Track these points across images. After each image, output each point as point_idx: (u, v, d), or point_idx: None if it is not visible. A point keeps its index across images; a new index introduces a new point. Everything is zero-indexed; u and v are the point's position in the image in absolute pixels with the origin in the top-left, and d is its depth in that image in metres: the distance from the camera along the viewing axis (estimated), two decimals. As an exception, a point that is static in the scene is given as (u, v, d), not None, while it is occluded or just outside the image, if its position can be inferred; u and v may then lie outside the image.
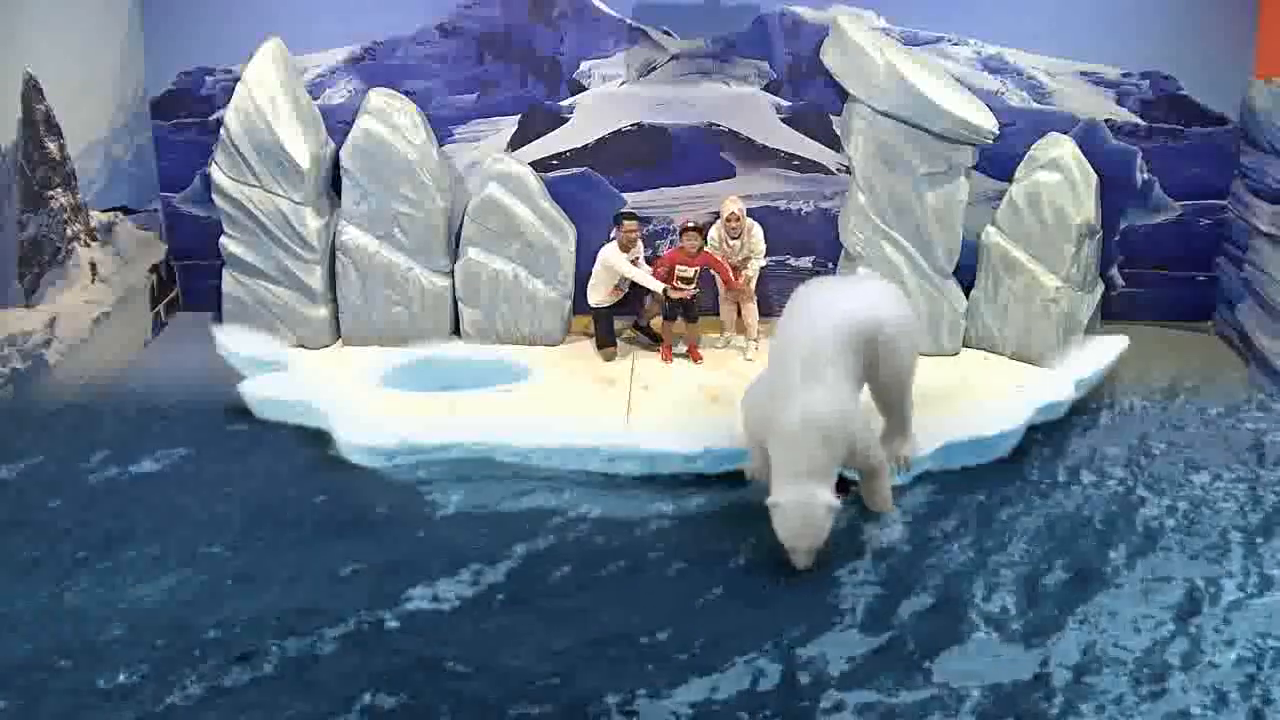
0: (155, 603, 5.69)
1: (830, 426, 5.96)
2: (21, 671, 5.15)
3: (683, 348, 8.49)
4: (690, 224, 8.23)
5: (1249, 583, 5.90)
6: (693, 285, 8.25)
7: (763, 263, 8.48)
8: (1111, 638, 5.46)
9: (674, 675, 5.20)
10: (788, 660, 5.29)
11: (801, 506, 5.85)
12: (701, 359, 8.41)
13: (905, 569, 6.07)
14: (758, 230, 8.42)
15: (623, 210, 8.82)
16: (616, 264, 8.25)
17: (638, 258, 8.42)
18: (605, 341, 8.48)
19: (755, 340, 8.45)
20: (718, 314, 8.76)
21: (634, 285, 8.37)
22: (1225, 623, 5.57)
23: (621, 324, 8.62)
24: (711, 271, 8.32)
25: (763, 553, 6.12)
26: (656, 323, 8.51)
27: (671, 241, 8.97)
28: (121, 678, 5.12)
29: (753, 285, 8.45)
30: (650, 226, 9.11)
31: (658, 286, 8.18)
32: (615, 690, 5.08)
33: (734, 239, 8.32)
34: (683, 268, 8.20)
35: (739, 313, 8.59)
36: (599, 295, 8.41)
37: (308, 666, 5.24)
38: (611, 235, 9.17)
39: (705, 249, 8.26)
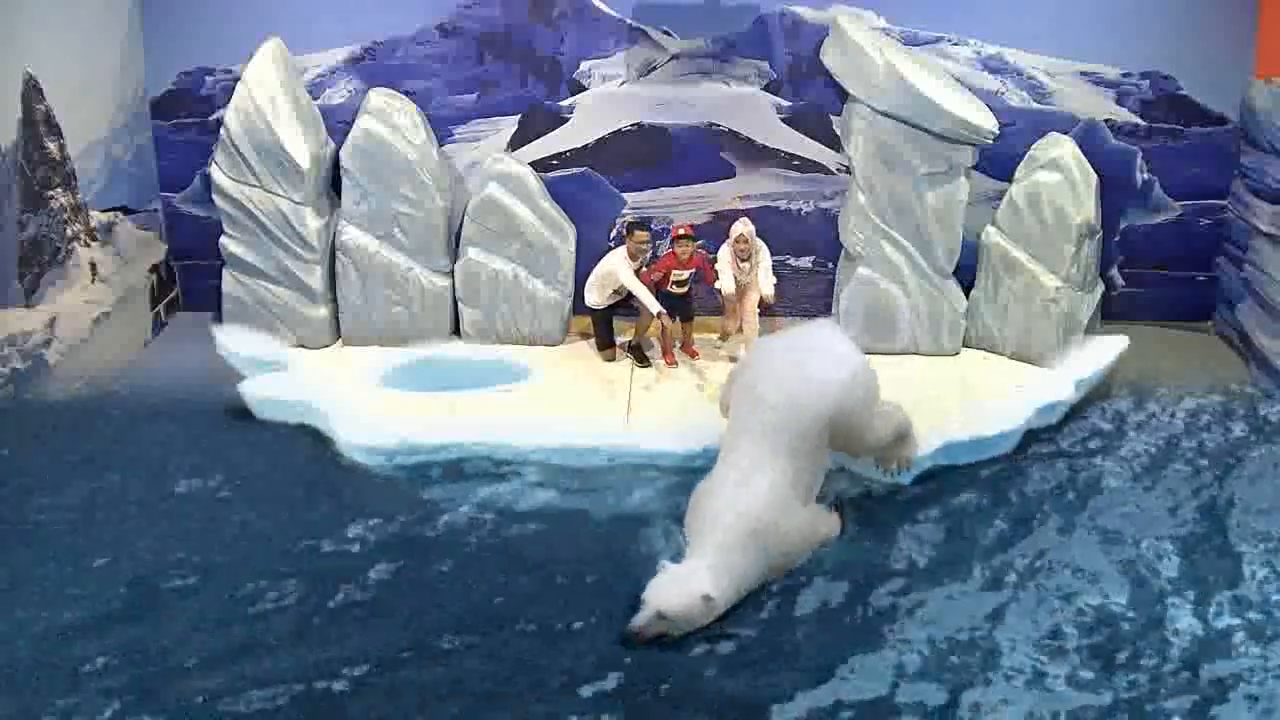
0: (153, 600, 5.69)
1: (761, 531, 5.65)
2: (12, 670, 5.18)
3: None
4: (682, 231, 8.20)
5: (1245, 582, 5.91)
6: (686, 286, 8.30)
7: (773, 280, 8.21)
8: (1097, 637, 5.50)
9: (672, 677, 5.22)
10: (761, 657, 5.35)
11: (680, 583, 5.39)
12: (698, 355, 8.42)
13: (897, 569, 6.09)
14: (766, 252, 8.28)
15: (634, 220, 8.71)
16: (622, 276, 8.14)
17: (641, 266, 8.37)
18: (605, 343, 8.47)
19: (749, 346, 8.39)
20: (717, 313, 8.74)
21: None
22: (1215, 619, 5.60)
23: (624, 324, 8.60)
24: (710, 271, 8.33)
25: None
26: (655, 329, 8.41)
27: (670, 243, 8.96)
28: (111, 674, 5.14)
29: (770, 293, 8.15)
30: (650, 226, 9.09)
31: (654, 308, 8.06)
32: (621, 695, 5.09)
33: (743, 261, 8.20)
34: (678, 273, 8.22)
35: (740, 321, 8.52)
36: (596, 297, 8.38)
37: (304, 661, 5.25)
38: (611, 236, 9.18)
39: (696, 254, 8.24)
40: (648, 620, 5.32)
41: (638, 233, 8.20)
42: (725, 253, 8.26)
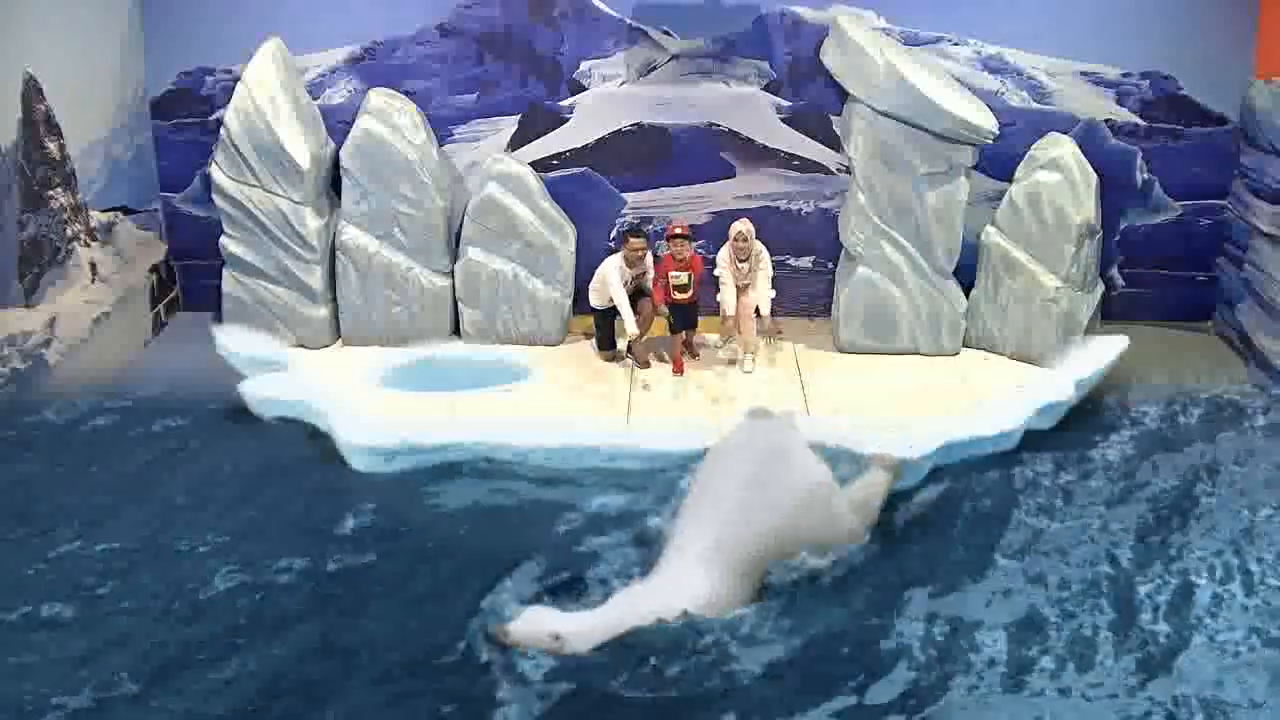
0: (152, 598, 5.70)
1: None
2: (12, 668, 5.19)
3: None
4: (677, 230, 8.06)
5: (1240, 584, 5.91)
6: (689, 292, 8.13)
7: (772, 294, 8.19)
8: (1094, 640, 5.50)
9: (672, 676, 5.22)
10: (756, 656, 5.36)
11: (539, 620, 5.42)
12: (698, 355, 8.36)
13: (895, 569, 6.09)
14: (766, 255, 8.22)
15: (631, 227, 8.59)
16: (610, 286, 8.11)
17: (645, 271, 8.33)
18: (606, 343, 8.46)
19: (753, 354, 8.36)
20: (718, 312, 8.72)
21: (635, 291, 8.28)
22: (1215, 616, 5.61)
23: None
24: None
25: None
26: (659, 324, 8.39)
27: (665, 242, 8.95)
28: (109, 672, 5.15)
29: (766, 313, 8.16)
30: (650, 226, 9.09)
31: (630, 329, 8.02)
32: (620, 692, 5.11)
33: (742, 261, 8.14)
34: (676, 274, 8.07)
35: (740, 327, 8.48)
36: (597, 300, 8.37)
37: (302, 659, 5.26)
38: (611, 236, 9.18)
39: (694, 255, 8.16)
40: (501, 631, 5.36)
41: (632, 240, 8.14)
42: (724, 254, 8.23)
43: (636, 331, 8.12)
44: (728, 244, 8.22)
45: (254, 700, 5.00)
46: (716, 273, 8.26)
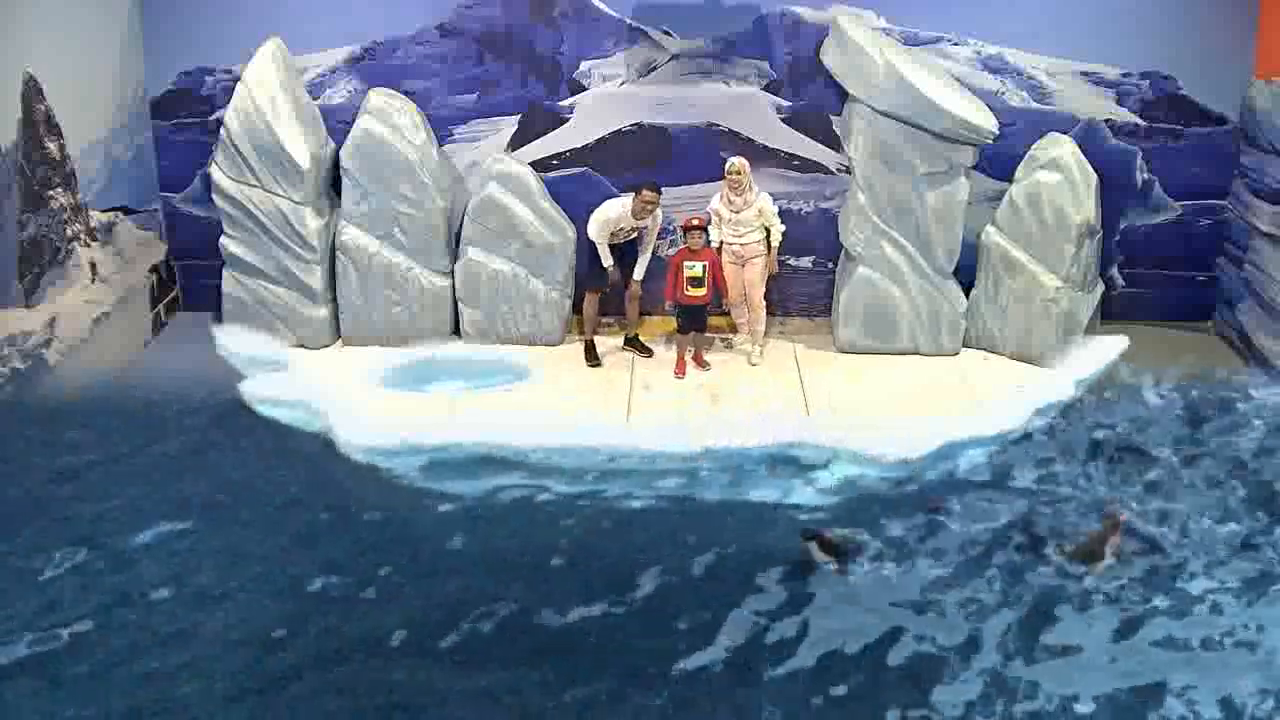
0: (149, 602, 5.70)
1: None
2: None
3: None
4: (693, 221, 8.08)
5: (1236, 589, 5.92)
6: (703, 288, 8.06)
7: (781, 227, 8.28)
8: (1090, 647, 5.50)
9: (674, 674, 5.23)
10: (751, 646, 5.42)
11: None
12: (708, 365, 8.28)
13: (893, 570, 6.09)
14: (765, 198, 8.25)
15: (645, 183, 8.24)
16: (599, 223, 8.12)
17: (644, 232, 8.31)
18: (592, 355, 8.44)
19: (761, 345, 8.40)
20: (726, 314, 8.74)
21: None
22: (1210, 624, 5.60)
23: (621, 321, 8.61)
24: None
25: (747, 548, 6.23)
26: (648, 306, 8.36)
27: (673, 242, 8.96)
28: (104, 675, 5.19)
29: (775, 256, 8.33)
30: (660, 188, 8.99)
31: (607, 260, 8.16)
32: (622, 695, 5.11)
33: (736, 195, 8.13)
34: (690, 264, 8.02)
35: (749, 317, 8.51)
36: (594, 234, 8.24)
37: (301, 656, 5.26)
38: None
39: (709, 246, 8.16)
40: None
41: (646, 193, 8.05)
42: (717, 197, 8.28)
43: (612, 263, 8.19)
44: (723, 183, 8.25)
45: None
46: (709, 207, 8.29)
